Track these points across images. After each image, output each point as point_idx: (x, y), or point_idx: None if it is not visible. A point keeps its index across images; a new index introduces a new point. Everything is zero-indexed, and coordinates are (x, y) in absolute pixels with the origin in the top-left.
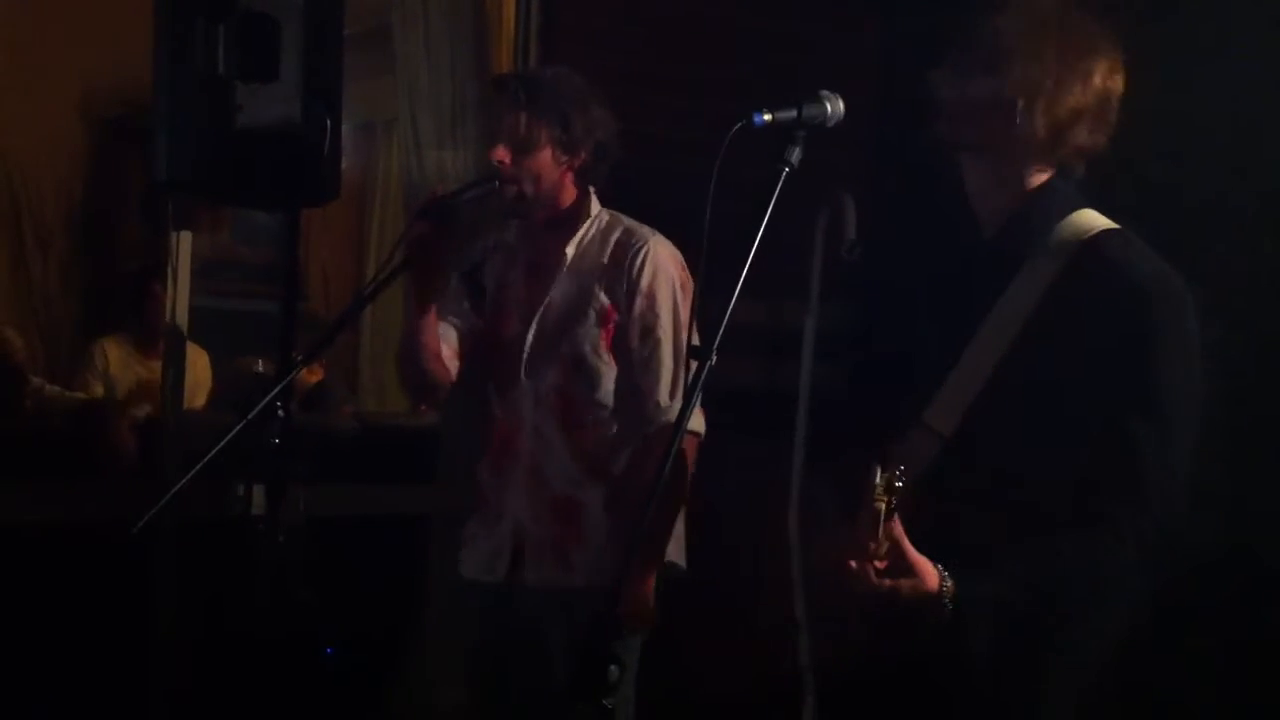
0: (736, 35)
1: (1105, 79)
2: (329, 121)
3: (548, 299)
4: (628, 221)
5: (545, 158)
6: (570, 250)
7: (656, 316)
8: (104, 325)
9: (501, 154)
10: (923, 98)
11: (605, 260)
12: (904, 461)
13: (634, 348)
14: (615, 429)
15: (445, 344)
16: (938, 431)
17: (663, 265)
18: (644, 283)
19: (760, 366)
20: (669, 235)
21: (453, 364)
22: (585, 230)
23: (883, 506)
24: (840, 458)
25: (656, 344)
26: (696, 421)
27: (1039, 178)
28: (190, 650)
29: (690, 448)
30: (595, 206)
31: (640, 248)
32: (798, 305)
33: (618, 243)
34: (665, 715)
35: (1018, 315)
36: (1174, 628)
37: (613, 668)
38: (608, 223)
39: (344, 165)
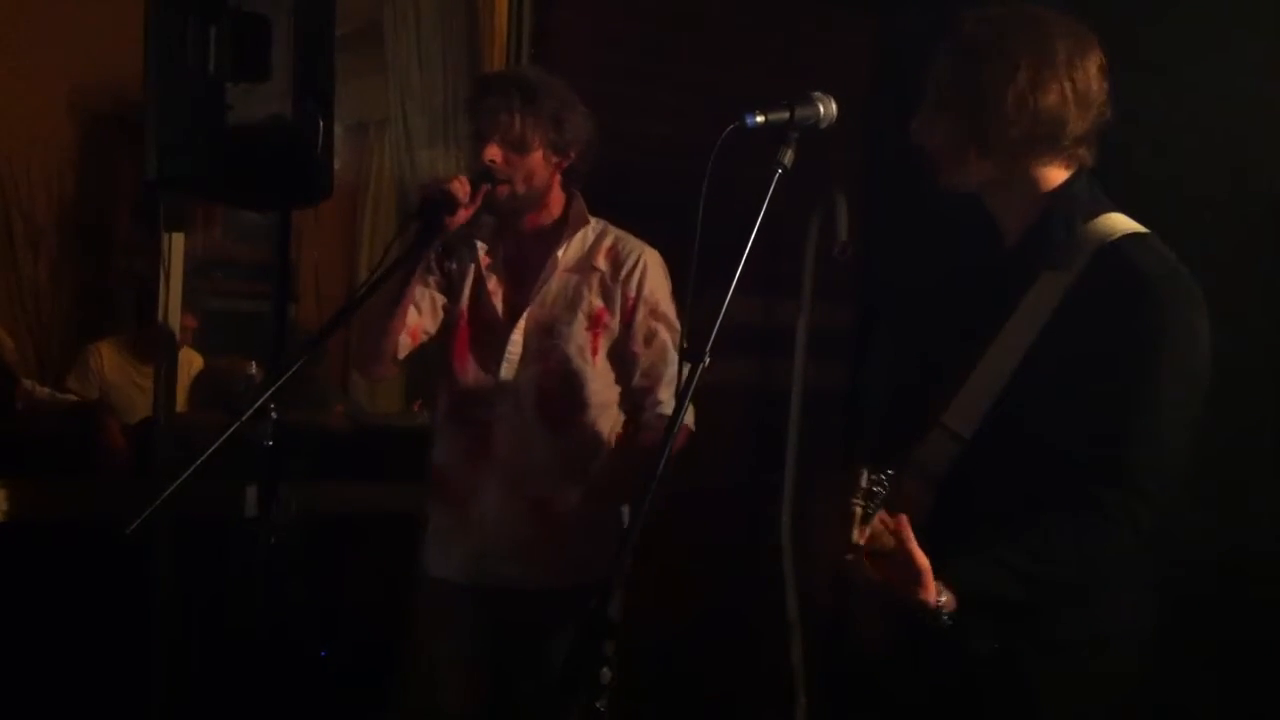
0: (729, 36)
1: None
2: (321, 121)
3: (536, 298)
4: (617, 231)
5: (538, 158)
6: (563, 252)
7: (659, 323)
8: (96, 325)
9: (494, 153)
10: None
11: (598, 265)
12: (924, 463)
13: (637, 352)
14: (595, 430)
15: (411, 313)
16: (958, 433)
17: (661, 274)
18: (645, 291)
19: (754, 365)
20: (663, 235)
21: (405, 342)
22: (580, 235)
23: (858, 511)
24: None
25: (663, 348)
26: (687, 417)
27: (1053, 180)
28: (185, 650)
29: (681, 440)
30: (587, 214)
31: (637, 256)
32: (791, 305)
33: (611, 249)
34: (664, 714)
35: (1036, 321)
36: (1173, 627)
37: (604, 669)
38: (600, 229)
39: (336, 165)
